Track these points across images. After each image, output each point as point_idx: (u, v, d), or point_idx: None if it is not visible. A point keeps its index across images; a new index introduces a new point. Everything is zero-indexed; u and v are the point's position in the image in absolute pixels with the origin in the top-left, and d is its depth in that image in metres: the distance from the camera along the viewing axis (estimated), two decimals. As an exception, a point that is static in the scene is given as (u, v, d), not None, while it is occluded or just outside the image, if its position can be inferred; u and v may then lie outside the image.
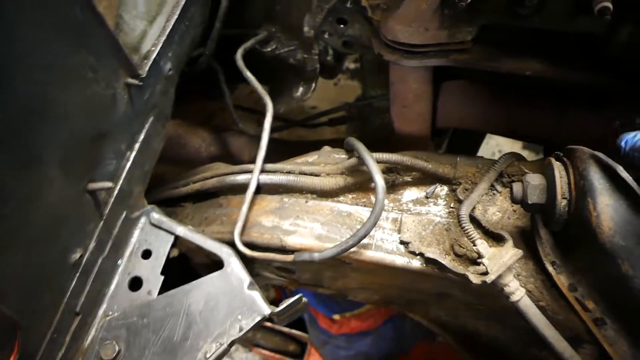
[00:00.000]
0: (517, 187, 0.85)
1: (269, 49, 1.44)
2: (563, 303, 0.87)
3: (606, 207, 0.73)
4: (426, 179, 1.04)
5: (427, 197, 1.02)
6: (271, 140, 1.78)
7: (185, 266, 1.22)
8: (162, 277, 0.98)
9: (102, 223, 0.91)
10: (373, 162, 0.95)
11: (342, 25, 1.30)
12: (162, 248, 1.00)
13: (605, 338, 0.84)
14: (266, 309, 0.92)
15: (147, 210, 1.03)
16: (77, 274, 0.86)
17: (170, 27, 0.99)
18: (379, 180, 0.92)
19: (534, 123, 1.10)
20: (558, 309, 0.89)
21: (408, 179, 1.04)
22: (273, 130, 1.86)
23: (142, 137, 0.99)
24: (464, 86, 1.19)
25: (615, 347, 0.83)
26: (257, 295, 0.93)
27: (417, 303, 1.15)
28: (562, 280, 0.86)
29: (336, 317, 2.35)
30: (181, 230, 1.01)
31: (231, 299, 0.93)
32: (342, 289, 1.20)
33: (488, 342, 1.16)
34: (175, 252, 1.06)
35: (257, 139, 1.84)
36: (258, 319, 0.90)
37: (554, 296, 0.89)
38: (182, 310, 0.93)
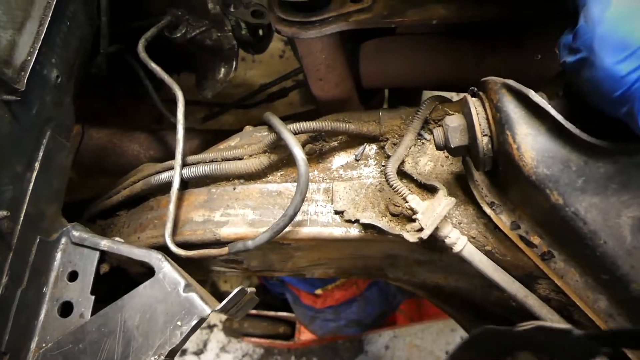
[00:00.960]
0: (437, 133, 0.80)
1: (178, 35, 1.35)
2: (509, 243, 0.83)
3: (525, 137, 0.68)
4: (354, 141, 0.98)
5: (357, 160, 0.97)
6: (209, 132, 1.71)
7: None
8: (93, 297, 0.91)
9: (11, 254, 0.84)
10: (289, 134, 0.89)
11: (242, -4, 1.21)
12: (89, 267, 0.93)
13: (555, 271, 0.80)
14: (205, 309, 0.86)
15: (67, 230, 0.96)
16: (-7, 313, 0.80)
17: (45, 31, 0.90)
18: (298, 152, 0.86)
19: (457, 69, 1.05)
20: (505, 250, 0.85)
21: (335, 144, 0.99)
22: (209, 117, 1.79)
23: (41, 154, 0.91)
24: (380, 43, 1.12)
25: (566, 279, 0.80)
26: (194, 297, 0.87)
27: (372, 269, 1.11)
28: (503, 220, 0.82)
29: (319, 291, 2.32)
30: (105, 244, 0.94)
31: (167, 305, 0.88)
32: (295, 269, 1.15)
33: (452, 293, 1.13)
34: (105, 268, 0.99)
35: (199, 132, 1.77)
36: (195, 321, 0.84)
37: (499, 238, 0.85)
38: (118, 328, 0.87)
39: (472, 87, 0.78)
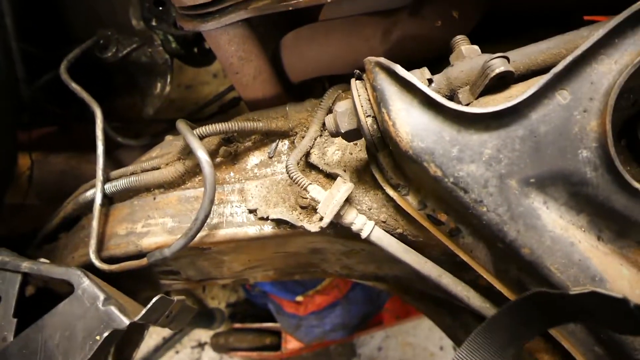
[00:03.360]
0: (328, 120, 0.79)
1: (109, 54, 1.36)
2: (419, 224, 0.82)
3: (399, 112, 0.67)
4: (267, 138, 0.98)
5: (270, 157, 0.96)
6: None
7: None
8: (15, 320, 0.91)
9: None
10: (193, 138, 0.88)
11: (160, 8, 1.22)
12: (11, 290, 0.93)
13: (464, 246, 0.78)
14: (123, 321, 0.85)
15: (-11, 256, 0.96)
16: None
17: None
18: (201, 155, 0.86)
19: (367, 49, 1.03)
20: (416, 232, 0.84)
21: (249, 144, 0.98)
22: (157, 134, 1.80)
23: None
24: (298, 34, 1.12)
25: (475, 252, 0.78)
26: (112, 310, 0.86)
27: (308, 266, 1.09)
28: (409, 201, 0.81)
29: (299, 298, 2.31)
30: (26, 266, 0.94)
31: (87, 321, 0.87)
32: (234, 275, 1.14)
33: (394, 282, 1.12)
34: (31, 290, 0.99)
35: (150, 147, 1.77)
36: (107, 332, 0.84)
37: (410, 220, 0.84)
38: (39, 348, 0.86)
39: (356, 70, 0.77)
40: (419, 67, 0.76)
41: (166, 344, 2.57)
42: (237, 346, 2.38)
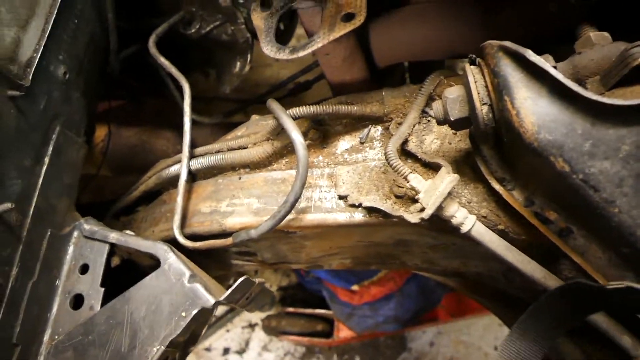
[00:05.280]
0: (436, 106, 0.75)
1: (193, 30, 1.35)
2: (523, 221, 0.77)
3: (525, 101, 0.63)
4: (359, 123, 0.94)
5: (362, 143, 0.93)
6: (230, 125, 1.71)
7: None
8: (103, 290, 0.92)
9: (21, 246, 0.86)
10: (287, 118, 0.86)
11: (250, -15, 1.20)
12: (99, 259, 0.94)
13: (576, 248, 0.73)
14: (209, 300, 0.85)
15: (79, 224, 0.98)
16: (2, 305, 0.82)
17: (50, 28, 0.92)
18: (296, 136, 0.84)
19: (467, 34, 0.98)
20: (519, 229, 0.79)
21: (340, 128, 0.95)
22: (232, 113, 1.80)
23: (50, 149, 0.93)
24: (389, 18, 1.07)
25: (587, 255, 0.72)
26: (198, 288, 0.86)
27: (388, 257, 1.06)
28: (515, 197, 0.76)
29: (355, 287, 2.29)
30: (114, 237, 0.95)
31: (172, 296, 0.87)
32: (310, 260, 1.12)
33: (474, 280, 1.07)
34: (116, 260, 1.01)
35: (220, 126, 1.78)
36: (196, 310, 0.83)
37: (513, 216, 0.79)
38: (125, 319, 0.87)
39: (471, 55, 0.73)
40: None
41: (218, 322, 2.61)
42: (289, 330, 2.39)
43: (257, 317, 2.75)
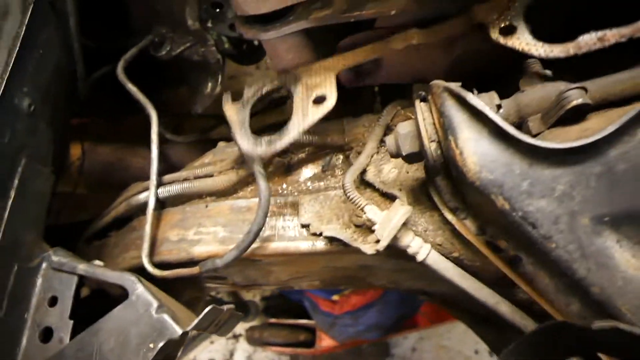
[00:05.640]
0: (389, 141, 0.78)
1: (163, 52, 1.37)
2: (476, 249, 0.80)
3: (467, 141, 0.66)
4: (321, 151, 0.97)
5: (324, 171, 0.95)
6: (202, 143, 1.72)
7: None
8: (72, 322, 0.93)
9: (-13, 282, 0.87)
10: (249, 150, 0.88)
11: (217, 10, 1.22)
12: (67, 292, 0.95)
13: (525, 275, 0.76)
14: (177, 331, 0.86)
15: (47, 255, 0.98)
16: (-32, 342, 0.83)
17: (13, 62, 0.93)
18: (257, 168, 0.86)
19: (428, 60, 1.01)
20: (473, 257, 0.82)
21: (303, 156, 0.98)
22: (207, 130, 1.82)
23: (16, 182, 0.94)
24: (354, 41, 1.09)
25: (536, 282, 0.75)
26: (165, 318, 0.88)
27: (355, 279, 1.09)
28: (467, 226, 0.79)
29: (336, 297, 2.31)
30: (82, 269, 0.96)
31: (140, 328, 0.88)
32: (280, 282, 1.14)
33: (441, 298, 1.10)
34: (86, 291, 1.02)
35: (197, 143, 1.79)
36: (163, 342, 0.85)
37: (467, 244, 0.82)
38: (94, 352, 0.89)
39: (421, 92, 0.75)
40: (482, 81, 0.75)
41: (202, 334, 2.61)
42: (272, 341, 2.41)
43: (241, 328, 2.76)
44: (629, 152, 0.60)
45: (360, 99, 1.37)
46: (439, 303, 1.31)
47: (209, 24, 1.29)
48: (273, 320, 2.45)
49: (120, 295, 1.11)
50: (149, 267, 0.98)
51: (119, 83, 1.46)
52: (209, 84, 1.45)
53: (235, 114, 0.91)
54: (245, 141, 0.86)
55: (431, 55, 0.99)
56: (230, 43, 1.39)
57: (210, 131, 1.82)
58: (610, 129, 0.59)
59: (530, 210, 0.63)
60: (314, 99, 0.84)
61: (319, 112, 0.81)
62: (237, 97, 1.00)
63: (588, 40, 0.71)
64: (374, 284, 1.10)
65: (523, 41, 0.78)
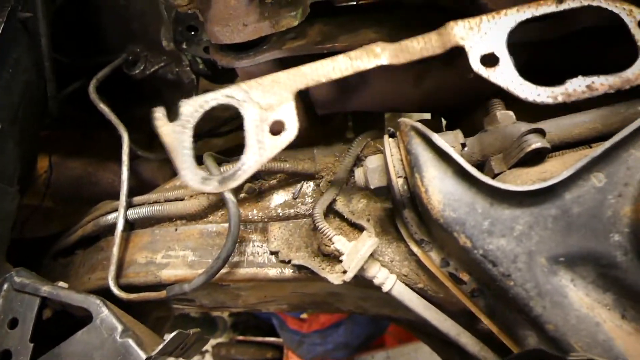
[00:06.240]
0: (358, 174, 0.79)
1: (137, 71, 1.37)
2: (440, 280, 0.82)
3: (433, 179, 0.68)
4: (292, 178, 0.98)
5: (294, 198, 0.96)
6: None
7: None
8: (32, 345, 0.91)
9: (-53, 305, 0.85)
10: (220, 176, 0.88)
11: (192, 33, 1.23)
12: (29, 314, 0.94)
13: (486, 307, 0.79)
14: (140, 356, 0.86)
15: (10, 276, 0.96)
16: None
17: (-20, 81, 0.92)
18: (227, 195, 0.86)
19: (398, 91, 1.03)
20: (437, 288, 0.84)
21: (274, 182, 0.99)
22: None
23: (-20, 203, 0.92)
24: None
25: (497, 314, 0.78)
26: (130, 343, 0.87)
27: (322, 304, 1.10)
28: (432, 258, 0.81)
29: (304, 315, 2.31)
30: (45, 290, 0.94)
31: (104, 352, 0.87)
32: (248, 306, 1.14)
33: (407, 323, 1.12)
34: (48, 313, 1.00)
35: (168, 161, 1.78)
36: (127, 369, 0.84)
37: (431, 275, 0.84)
38: (55, 377, 0.87)
39: (389, 128, 0.78)
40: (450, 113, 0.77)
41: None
42: (239, 358, 2.39)
43: (208, 344, 2.73)
44: (582, 195, 0.63)
45: (331, 122, 1.39)
46: (405, 327, 1.33)
47: (184, 46, 1.30)
48: (241, 337, 2.43)
49: (84, 317, 1.09)
50: (115, 290, 0.97)
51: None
52: (183, 103, 1.45)
53: (174, 138, 0.69)
54: (189, 175, 0.66)
55: (401, 85, 1.01)
56: (205, 64, 1.39)
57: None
58: (566, 174, 0.62)
59: (491, 248, 0.66)
60: (270, 128, 0.67)
61: (277, 145, 0.65)
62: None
63: (577, 88, 0.64)
64: (341, 309, 1.12)
65: (507, 77, 0.65)
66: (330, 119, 1.34)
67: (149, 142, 1.76)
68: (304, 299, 1.07)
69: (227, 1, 0.87)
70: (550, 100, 0.63)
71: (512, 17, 0.67)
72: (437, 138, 0.67)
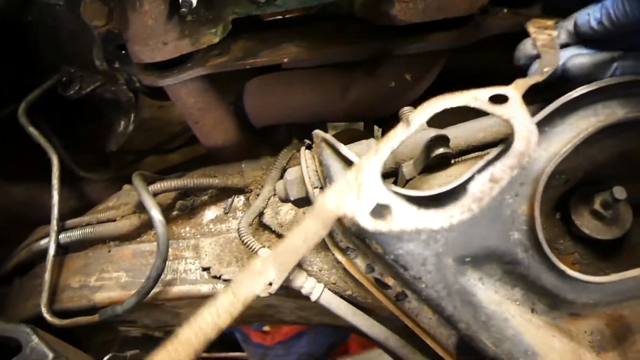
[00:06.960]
0: (279, 186, 0.81)
1: (72, 92, 1.35)
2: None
3: (343, 189, 0.69)
4: (224, 193, 0.99)
5: (226, 213, 0.97)
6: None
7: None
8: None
9: None
10: (147, 196, 0.89)
11: (123, 52, 1.22)
12: (-42, 346, 0.92)
13: (409, 311, 0.80)
14: (72, 382, 0.85)
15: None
16: None
17: None
18: (155, 214, 0.86)
19: (326, 102, 1.06)
20: (365, 294, 0.86)
21: (206, 198, 0.99)
22: (124, 166, 1.79)
23: None
24: (262, 81, 1.13)
25: (420, 317, 0.80)
26: (60, 371, 0.86)
27: (264, 316, 1.10)
28: (358, 264, 0.82)
29: (266, 328, 2.31)
30: (-27, 322, 0.92)
31: (34, 382, 0.86)
32: (190, 322, 1.14)
33: (352, 330, 1.13)
34: (-20, 345, 0.97)
35: (114, 181, 1.76)
36: (56, 398, 0.83)
37: (359, 282, 0.85)
38: (-17, 410, 0.85)
39: (306, 140, 0.79)
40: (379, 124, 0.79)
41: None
42: (203, 376, 2.36)
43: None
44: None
45: (275, 135, 1.41)
46: (359, 335, 1.34)
47: (117, 65, 1.29)
48: (205, 354, 2.40)
49: (19, 346, 1.07)
50: (48, 317, 0.96)
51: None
52: (122, 123, 1.44)
53: None
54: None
55: (329, 96, 1.04)
56: (141, 82, 1.39)
57: (129, 167, 1.80)
58: (464, 177, 0.65)
59: (401, 253, 0.68)
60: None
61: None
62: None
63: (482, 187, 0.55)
64: (284, 320, 1.12)
65: (405, 217, 0.56)
66: (274, 132, 1.35)
67: (101, 161, 1.74)
68: (245, 313, 1.07)
69: (144, 20, 0.87)
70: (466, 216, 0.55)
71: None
72: (342, 148, 0.69)
